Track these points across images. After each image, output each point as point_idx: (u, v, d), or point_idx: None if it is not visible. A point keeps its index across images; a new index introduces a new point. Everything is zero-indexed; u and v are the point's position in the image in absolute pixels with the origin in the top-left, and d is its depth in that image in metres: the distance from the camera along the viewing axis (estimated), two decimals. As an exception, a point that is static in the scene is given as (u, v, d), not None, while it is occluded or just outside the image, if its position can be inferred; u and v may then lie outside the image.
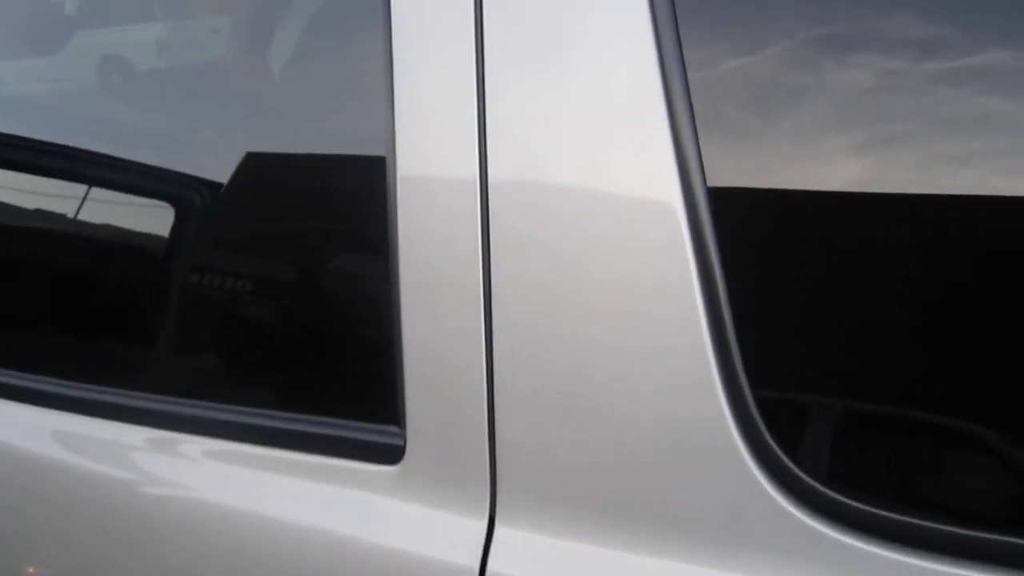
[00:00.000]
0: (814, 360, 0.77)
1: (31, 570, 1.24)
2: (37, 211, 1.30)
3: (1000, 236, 0.71)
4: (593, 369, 0.81)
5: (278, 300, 1.07)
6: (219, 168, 1.08)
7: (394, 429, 0.93)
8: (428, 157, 0.88)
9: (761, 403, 0.76)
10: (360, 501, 0.94)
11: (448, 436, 0.89)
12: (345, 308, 1.03)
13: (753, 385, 0.76)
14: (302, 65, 1.15)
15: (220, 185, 1.09)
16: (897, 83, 0.74)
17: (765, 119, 0.77)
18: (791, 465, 0.76)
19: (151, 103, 1.24)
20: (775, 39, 0.77)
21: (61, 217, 1.25)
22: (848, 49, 0.76)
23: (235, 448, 1.01)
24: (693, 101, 0.77)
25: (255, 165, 1.06)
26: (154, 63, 1.38)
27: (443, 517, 0.89)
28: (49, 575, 1.21)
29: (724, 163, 0.77)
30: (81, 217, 1.20)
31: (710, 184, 0.77)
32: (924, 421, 0.75)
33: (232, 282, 1.09)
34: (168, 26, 1.32)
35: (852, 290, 0.76)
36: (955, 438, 0.75)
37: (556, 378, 0.83)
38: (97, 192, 1.20)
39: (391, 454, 0.92)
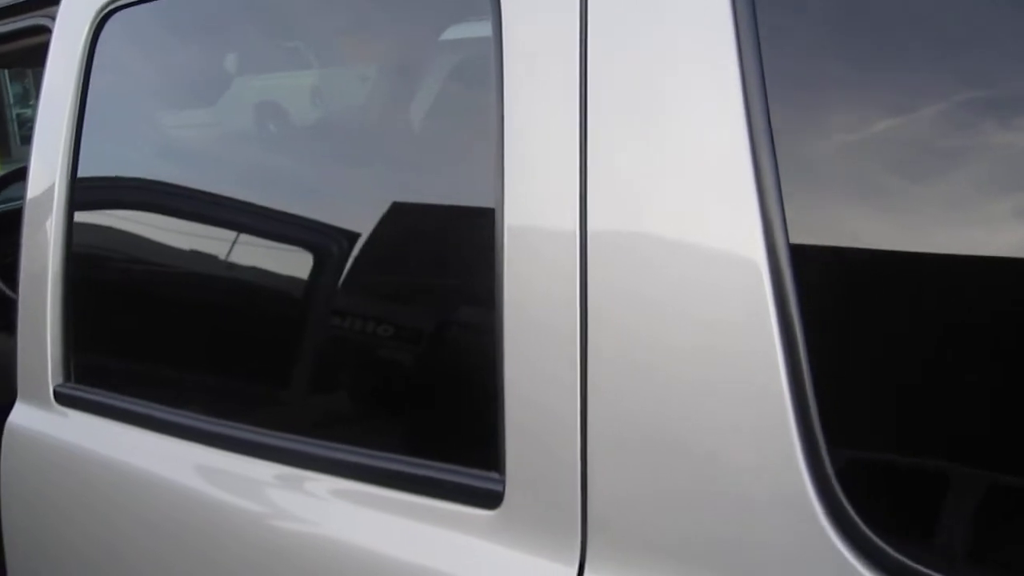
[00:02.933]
0: (894, 424, 0.77)
1: None
2: (181, 252, 1.43)
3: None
4: (680, 420, 0.83)
5: (396, 348, 1.14)
6: (346, 218, 1.18)
7: (495, 475, 0.97)
8: (532, 210, 0.93)
9: (838, 465, 0.76)
10: (461, 543, 0.98)
11: (544, 484, 0.92)
12: (455, 357, 1.08)
13: (831, 444, 0.76)
14: (426, 124, 1.24)
15: (348, 234, 1.18)
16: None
17: (846, 178, 0.78)
18: (869, 532, 0.75)
19: (290, 152, 1.36)
20: (854, 103, 0.79)
21: (204, 259, 1.37)
22: (935, 109, 0.76)
23: (348, 486, 1.08)
24: (779, 162, 0.79)
25: (378, 215, 1.14)
26: (301, 113, 1.50)
27: (535, 563, 0.92)
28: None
29: (807, 221, 0.79)
30: (224, 260, 1.32)
31: (793, 241, 0.78)
32: (1011, 490, 0.73)
33: (355, 330, 1.17)
34: (323, 73, 1.44)
35: (933, 353, 0.75)
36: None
37: (646, 429, 0.85)
38: (238, 236, 1.32)
39: (491, 499, 0.96)
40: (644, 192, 0.86)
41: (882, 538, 0.75)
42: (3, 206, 2.65)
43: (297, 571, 1.12)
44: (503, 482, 0.96)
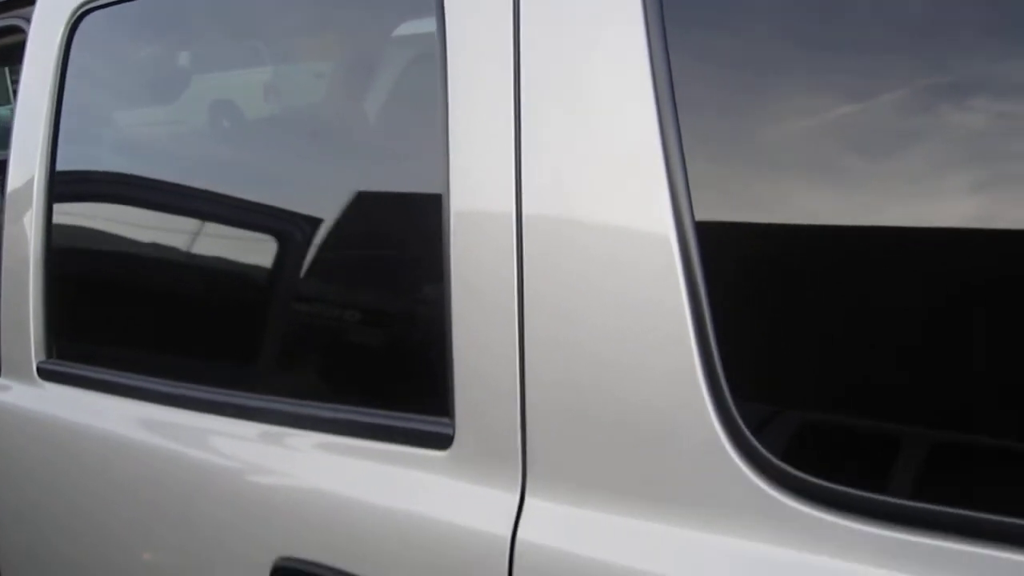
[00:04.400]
0: (780, 359, 0.94)
1: (147, 556, 1.48)
2: (151, 238, 1.56)
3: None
4: (599, 370, 0.99)
5: (359, 319, 1.29)
6: (312, 204, 1.33)
7: (446, 420, 1.12)
8: (474, 196, 1.08)
9: (737, 397, 0.93)
10: (419, 480, 1.14)
11: (488, 427, 1.08)
12: (409, 323, 1.24)
13: (730, 382, 0.92)
14: (381, 117, 1.39)
15: (314, 218, 1.32)
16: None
17: (743, 164, 0.95)
18: (761, 448, 0.92)
19: (251, 144, 1.51)
20: (753, 97, 0.96)
21: (171, 243, 1.51)
22: (830, 97, 0.93)
23: (322, 439, 1.23)
24: (684, 146, 0.96)
25: (345, 200, 1.29)
26: (260, 106, 1.64)
27: (484, 491, 1.08)
28: (161, 560, 1.44)
29: (709, 200, 0.95)
30: (190, 243, 1.46)
31: (697, 218, 0.95)
32: (870, 411, 0.91)
33: (321, 304, 1.32)
34: (277, 71, 1.58)
35: (803, 297, 0.92)
36: (898, 425, 0.90)
37: (571, 380, 1.01)
38: (202, 221, 1.46)
39: (443, 441, 1.12)
40: (569, 178, 1.02)
41: (776, 455, 0.91)
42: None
43: (277, 521, 1.27)
44: (453, 426, 1.11)
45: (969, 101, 0.87)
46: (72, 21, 1.59)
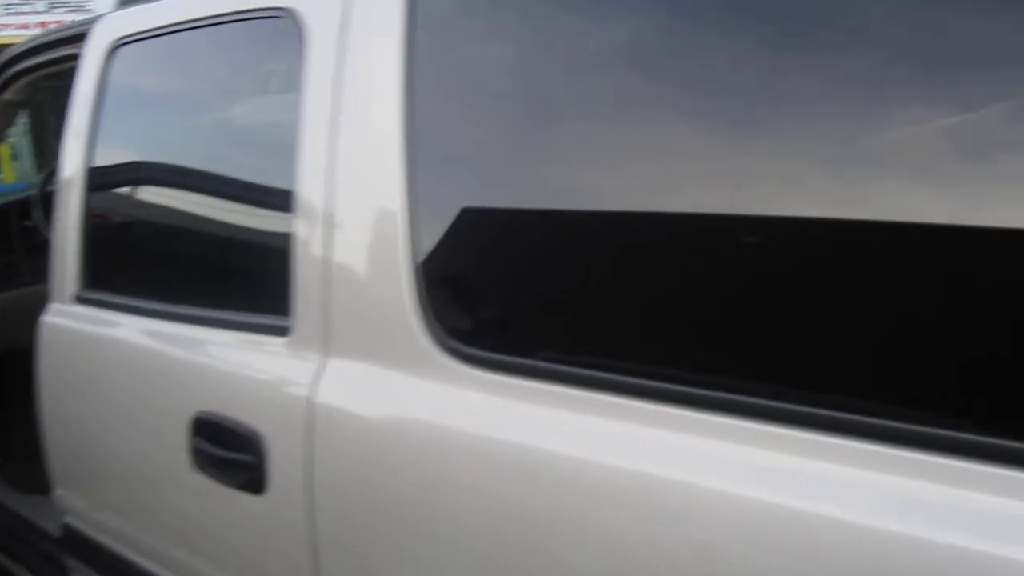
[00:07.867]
0: (453, 274, 1.58)
1: (130, 418, 2.20)
2: (151, 207, 2.32)
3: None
4: (354, 286, 1.66)
5: (251, 260, 2.00)
6: (240, 179, 2.04)
7: (288, 319, 1.80)
8: (307, 184, 1.76)
9: (429, 297, 1.56)
10: (273, 354, 1.82)
11: (308, 322, 1.75)
12: (276, 261, 1.91)
13: (427, 288, 1.56)
14: (270, 131, 2.09)
15: (242, 187, 2.04)
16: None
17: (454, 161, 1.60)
18: (441, 329, 1.55)
19: (214, 143, 2.23)
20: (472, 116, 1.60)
21: (162, 210, 2.27)
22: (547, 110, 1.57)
23: (221, 334, 1.94)
24: (418, 152, 1.60)
25: (255, 180, 2.00)
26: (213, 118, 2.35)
27: (306, 356, 1.75)
28: (136, 421, 2.15)
29: (429, 189, 1.59)
30: (171, 210, 2.20)
31: (409, 195, 1.59)
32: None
33: (233, 250, 2.03)
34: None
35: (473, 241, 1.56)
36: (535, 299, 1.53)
37: (344, 296, 1.68)
38: (181, 195, 2.19)
39: (284, 331, 1.80)
40: (353, 161, 1.68)
41: (454, 336, 1.54)
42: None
43: (192, 388, 1.97)
44: (291, 322, 1.79)
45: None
46: (109, 51, 2.33)
